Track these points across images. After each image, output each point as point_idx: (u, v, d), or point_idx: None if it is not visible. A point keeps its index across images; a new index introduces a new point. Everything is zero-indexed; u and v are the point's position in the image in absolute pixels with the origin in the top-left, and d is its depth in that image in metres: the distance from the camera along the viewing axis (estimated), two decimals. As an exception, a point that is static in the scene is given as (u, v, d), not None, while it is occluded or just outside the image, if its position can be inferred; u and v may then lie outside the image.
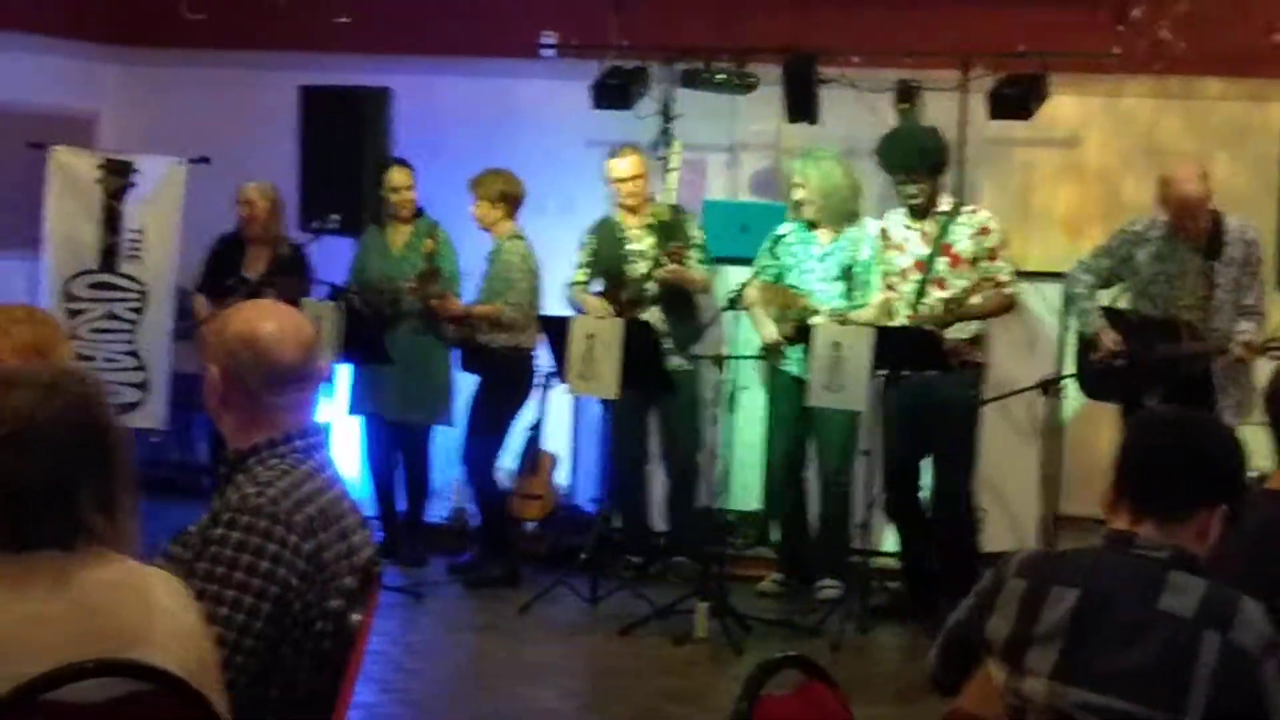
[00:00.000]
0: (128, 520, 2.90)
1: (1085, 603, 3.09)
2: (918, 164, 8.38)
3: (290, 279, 9.21)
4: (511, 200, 9.14)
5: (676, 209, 9.22)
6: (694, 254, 9.07)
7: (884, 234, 8.53)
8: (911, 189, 8.37)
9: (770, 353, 8.75)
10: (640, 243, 9.12)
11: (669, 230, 9.06)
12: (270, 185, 9.57)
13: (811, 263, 8.73)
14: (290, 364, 3.59)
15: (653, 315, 8.98)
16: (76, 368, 2.99)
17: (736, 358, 8.81)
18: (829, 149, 8.89)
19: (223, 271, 9.51)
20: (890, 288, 8.49)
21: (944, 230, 8.35)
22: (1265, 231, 8.33)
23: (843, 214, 8.73)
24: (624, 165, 9.09)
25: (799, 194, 8.75)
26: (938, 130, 8.67)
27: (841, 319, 8.44)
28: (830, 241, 8.72)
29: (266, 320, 3.62)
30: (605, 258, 9.17)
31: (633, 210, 9.14)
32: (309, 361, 3.65)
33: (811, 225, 8.76)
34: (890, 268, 8.49)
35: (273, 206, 9.51)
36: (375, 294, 9.21)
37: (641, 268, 9.08)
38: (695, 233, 9.15)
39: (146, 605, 2.85)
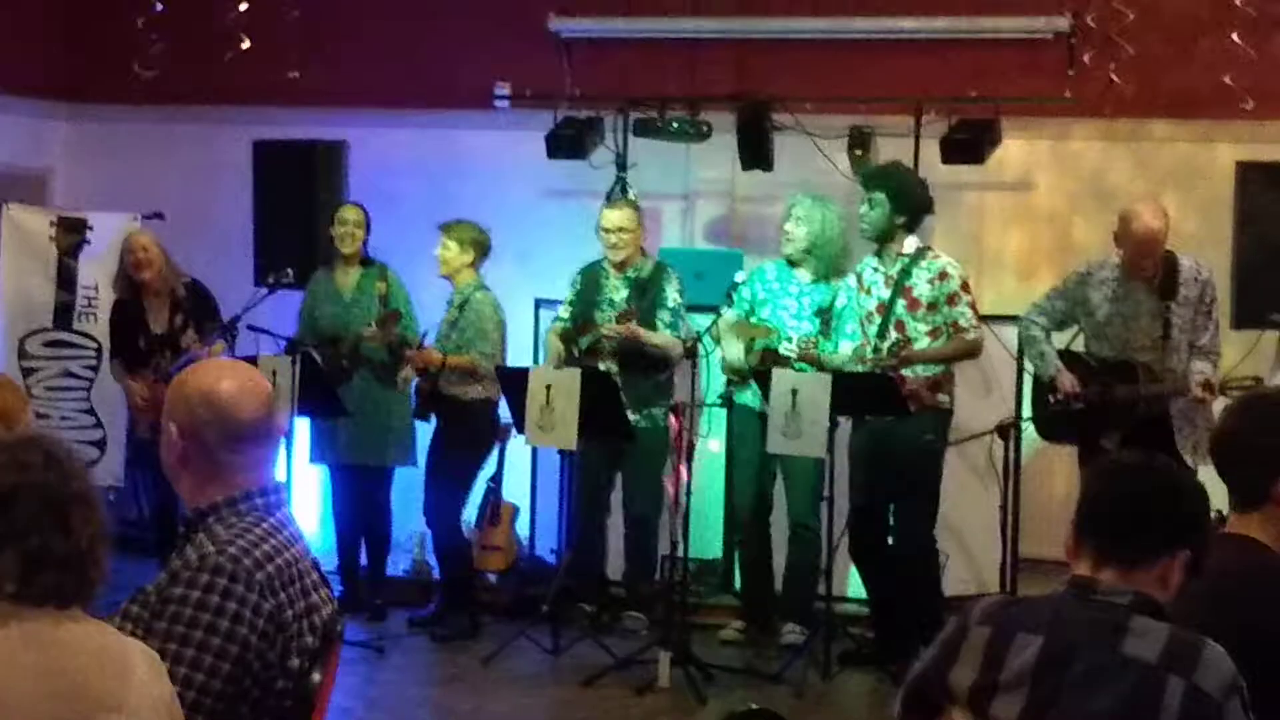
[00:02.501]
0: (102, 579, 2.92)
1: (1049, 650, 3.08)
2: (876, 177, 8.45)
3: (207, 323, 9.14)
4: (481, 249, 9.11)
5: (660, 267, 9.15)
6: (664, 315, 8.99)
7: (858, 278, 8.55)
8: (864, 208, 8.38)
9: (735, 375, 8.75)
10: (616, 294, 9.09)
11: (643, 287, 9.03)
12: (151, 233, 9.47)
13: (788, 300, 8.73)
14: (249, 421, 3.59)
15: (610, 368, 8.94)
16: (40, 436, 3.02)
17: (695, 406, 8.79)
18: (831, 199, 8.88)
19: (130, 334, 9.37)
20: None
21: (905, 273, 8.37)
22: (1218, 271, 8.38)
23: (829, 267, 8.71)
24: (613, 216, 9.06)
25: (793, 229, 8.72)
26: (920, 178, 8.69)
27: (814, 343, 8.45)
28: (809, 282, 8.73)
29: (225, 378, 3.62)
30: (584, 302, 9.14)
31: (618, 263, 9.11)
32: (268, 419, 3.64)
33: (792, 264, 8.77)
34: (860, 312, 8.51)
35: (163, 253, 9.34)
36: (332, 343, 9.19)
37: (608, 318, 9.05)
38: (671, 294, 9.00)
39: (123, 674, 2.86)
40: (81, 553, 2.87)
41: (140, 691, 2.86)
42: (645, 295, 9.00)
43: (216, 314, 9.24)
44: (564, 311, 9.23)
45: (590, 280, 9.16)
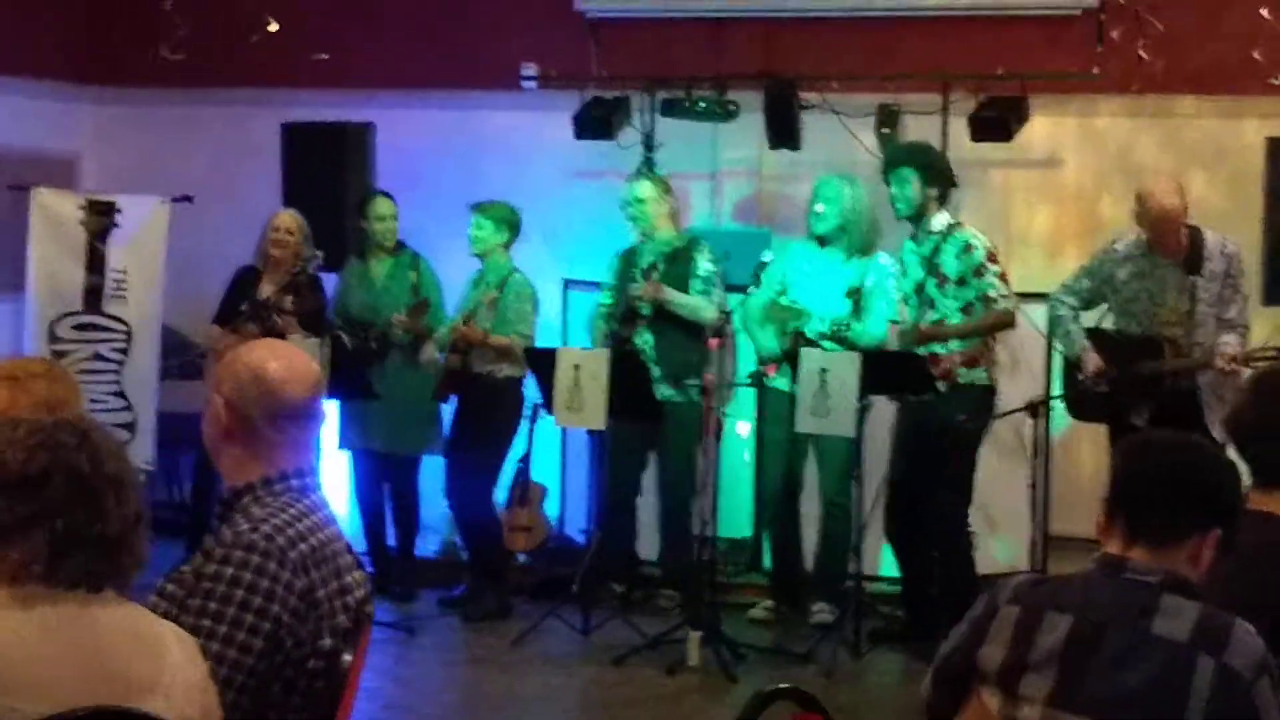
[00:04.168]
0: (137, 564, 2.93)
1: (1079, 628, 3.08)
2: (898, 155, 8.48)
3: (310, 296, 9.14)
4: (513, 230, 9.13)
5: (693, 238, 9.16)
6: (696, 284, 8.96)
7: (900, 262, 8.56)
8: (894, 189, 8.38)
9: (764, 363, 8.75)
10: (645, 262, 9.05)
11: (674, 256, 9.03)
12: (299, 216, 9.48)
13: (818, 280, 8.72)
14: (295, 401, 3.62)
15: (644, 341, 8.95)
16: (80, 419, 3.02)
17: (726, 386, 8.79)
18: (857, 178, 8.86)
19: (239, 298, 9.36)
20: None
21: (937, 251, 8.36)
22: (1249, 247, 8.35)
23: (861, 243, 8.69)
24: (634, 189, 9.07)
25: (823, 209, 8.70)
26: (942, 153, 8.69)
27: (845, 326, 8.46)
28: (840, 262, 8.71)
29: (275, 358, 3.67)
30: (621, 281, 9.14)
31: (645, 235, 9.11)
32: (313, 400, 3.68)
33: (821, 242, 8.76)
34: (899, 294, 8.51)
35: (303, 237, 9.36)
36: (361, 328, 9.21)
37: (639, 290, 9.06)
38: (703, 264, 8.98)
39: (157, 656, 2.87)
40: (113, 537, 2.87)
41: (174, 674, 2.87)
42: (675, 263, 8.99)
43: (322, 298, 9.28)
44: (606, 296, 9.24)
45: (626, 259, 9.17)
